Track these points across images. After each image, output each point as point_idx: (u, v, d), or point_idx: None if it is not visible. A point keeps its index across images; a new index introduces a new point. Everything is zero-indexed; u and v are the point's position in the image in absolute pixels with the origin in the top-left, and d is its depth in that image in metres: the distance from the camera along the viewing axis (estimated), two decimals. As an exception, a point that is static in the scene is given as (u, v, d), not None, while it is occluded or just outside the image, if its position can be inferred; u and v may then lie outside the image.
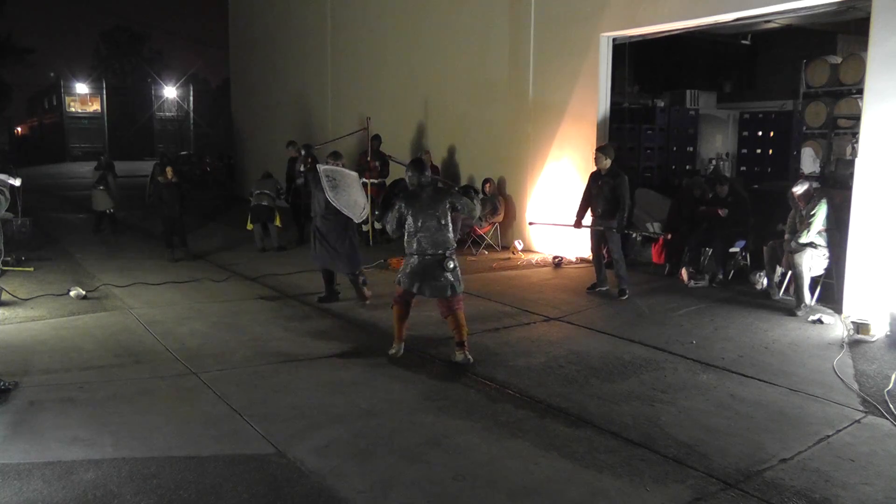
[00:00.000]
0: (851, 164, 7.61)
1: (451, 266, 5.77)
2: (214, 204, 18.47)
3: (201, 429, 4.57)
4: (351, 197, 7.55)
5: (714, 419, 4.75)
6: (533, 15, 10.84)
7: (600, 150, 8.20)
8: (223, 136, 23.38)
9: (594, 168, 8.30)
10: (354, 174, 7.91)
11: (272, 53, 18.59)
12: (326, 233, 7.68)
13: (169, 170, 11.05)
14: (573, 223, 8.56)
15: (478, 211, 6.07)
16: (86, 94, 53.90)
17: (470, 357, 5.80)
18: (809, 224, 7.32)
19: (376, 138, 12.01)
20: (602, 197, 8.12)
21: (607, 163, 8.08)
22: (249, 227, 11.53)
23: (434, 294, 5.83)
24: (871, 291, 6.76)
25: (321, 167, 7.62)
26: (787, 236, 7.64)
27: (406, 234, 5.85)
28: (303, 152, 8.68)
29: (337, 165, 7.76)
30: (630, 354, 6.13)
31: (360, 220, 7.95)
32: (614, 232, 8.08)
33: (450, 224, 5.82)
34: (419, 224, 5.76)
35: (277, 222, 11.49)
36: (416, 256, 5.81)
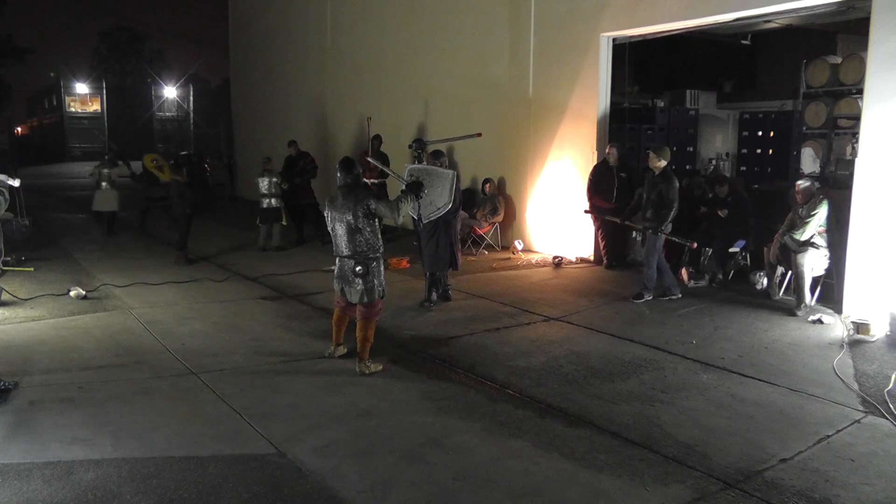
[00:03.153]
0: (851, 164, 7.61)
1: (360, 271, 5.58)
2: (214, 204, 18.44)
3: (201, 429, 4.57)
4: (427, 197, 6.94)
5: (714, 419, 4.75)
6: (533, 15, 10.84)
7: (654, 151, 7.95)
8: (223, 136, 23.33)
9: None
10: (449, 173, 7.44)
11: (272, 53, 18.59)
12: (421, 232, 7.72)
13: (184, 171, 11.12)
14: (619, 218, 8.58)
15: (396, 214, 5.60)
16: (86, 94, 53.83)
17: (366, 369, 5.63)
18: (806, 223, 7.32)
19: (377, 138, 12.00)
20: (649, 200, 7.90)
21: (661, 164, 7.86)
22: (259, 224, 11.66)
23: (352, 298, 5.72)
24: (871, 291, 6.76)
25: (409, 167, 7.42)
26: (781, 229, 7.64)
27: None
28: (413, 145, 8.56)
29: (435, 165, 7.56)
30: (630, 354, 6.13)
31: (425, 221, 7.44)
32: (658, 234, 7.82)
33: (368, 227, 5.55)
34: (334, 226, 5.67)
35: (284, 221, 11.57)
36: (336, 258, 5.79)
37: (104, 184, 12.96)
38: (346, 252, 5.64)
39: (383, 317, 7.19)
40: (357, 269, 5.58)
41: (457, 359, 5.98)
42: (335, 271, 5.83)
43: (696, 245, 8.31)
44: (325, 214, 5.80)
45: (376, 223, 5.67)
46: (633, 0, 9.36)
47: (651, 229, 7.90)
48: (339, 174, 5.68)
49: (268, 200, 11.41)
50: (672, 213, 7.81)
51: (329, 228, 5.79)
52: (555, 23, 10.54)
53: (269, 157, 12.02)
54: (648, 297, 7.91)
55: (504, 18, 11.42)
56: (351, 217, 5.53)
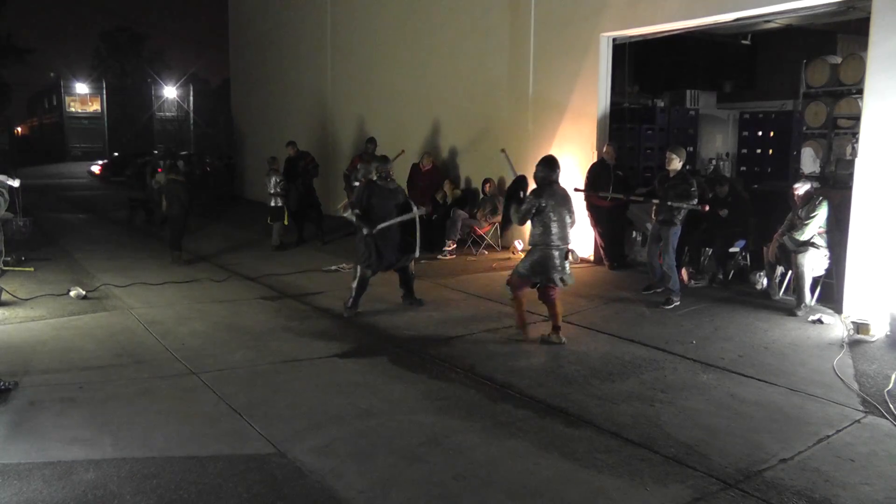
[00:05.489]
0: (851, 164, 7.61)
1: (567, 257, 6.46)
2: (214, 204, 18.44)
3: (201, 429, 4.57)
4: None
5: (714, 419, 4.75)
6: (533, 15, 10.83)
7: (673, 151, 7.81)
8: (223, 136, 23.33)
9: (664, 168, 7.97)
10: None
11: (272, 53, 18.59)
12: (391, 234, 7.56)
13: (181, 171, 11.16)
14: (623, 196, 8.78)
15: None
16: (86, 94, 53.89)
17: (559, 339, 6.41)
18: (806, 224, 7.32)
19: (371, 141, 12.18)
20: (664, 200, 7.70)
21: (678, 164, 7.73)
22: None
23: (556, 282, 6.36)
24: (871, 291, 6.76)
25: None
26: (780, 229, 7.63)
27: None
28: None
29: (385, 168, 7.81)
30: (630, 354, 6.13)
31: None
32: (672, 232, 7.68)
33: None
34: (552, 218, 6.22)
35: (286, 221, 11.59)
36: (543, 248, 6.29)
37: None
38: (562, 243, 6.22)
39: (383, 317, 7.25)
40: (567, 255, 6.29)
41: (457, 359, 5.98)
42: (536, 261, 6.27)
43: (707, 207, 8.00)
44: (541, 204, 6.16)
45: None
46: (633, 0, 9.37)
47: (663, 222, 7.73)
48: (547, 170, 6.32)
49: (275, 199, 11.50)
50: (688, 206, 7.58)
51: (541, 218, 6.19)
52: (555, 23, 10.54)
53: (274, 157, 12.04)
54: (677, 301, 7.68)
55: (504, 18, 11.42)
56: (566, 211, 6.24)
